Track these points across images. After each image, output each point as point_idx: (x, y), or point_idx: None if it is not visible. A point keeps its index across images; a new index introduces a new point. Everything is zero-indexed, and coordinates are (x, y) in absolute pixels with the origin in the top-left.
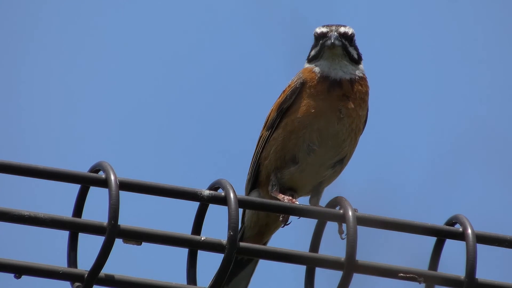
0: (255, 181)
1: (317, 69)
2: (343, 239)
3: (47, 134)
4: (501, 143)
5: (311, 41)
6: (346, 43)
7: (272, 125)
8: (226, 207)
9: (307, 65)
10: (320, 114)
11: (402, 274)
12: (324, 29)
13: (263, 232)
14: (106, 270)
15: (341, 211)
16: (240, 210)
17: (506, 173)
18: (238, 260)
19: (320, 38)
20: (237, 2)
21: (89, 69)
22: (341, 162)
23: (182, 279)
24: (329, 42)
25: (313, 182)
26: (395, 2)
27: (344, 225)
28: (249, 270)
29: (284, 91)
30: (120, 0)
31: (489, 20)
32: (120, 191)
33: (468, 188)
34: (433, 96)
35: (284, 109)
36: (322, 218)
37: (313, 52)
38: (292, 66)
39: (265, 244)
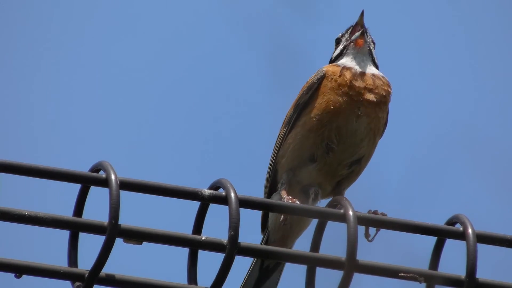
0: (273, 181)
1: (340, 63)
2: (370, 241)
3: (48, 133)
4: (486, 142)
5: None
6: (372, 43)
7: (289, 122)
8: (227, 207)
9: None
10: (339, 111)
11: (402, 274)
12: (349, 30)
13: (287, 235)
14: (106, 269)
15: (342, 211)
16: (243, 212)
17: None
18: (264, 268)
19: (344, 37)
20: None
21: (89, 69)
22: (359, 162)
23: (182, 278)
24: (357, 34)
25: (330, 181)
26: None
27: (370, 229)
28: (275, 279)
29: (302, 88)
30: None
31: (472, 22)
32: (120, 190)
33: (451, 186)
34: (419, 93)
35: (301, 105)
36: (322, 218)
37: (336, 53)
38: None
39: (290, 248)
